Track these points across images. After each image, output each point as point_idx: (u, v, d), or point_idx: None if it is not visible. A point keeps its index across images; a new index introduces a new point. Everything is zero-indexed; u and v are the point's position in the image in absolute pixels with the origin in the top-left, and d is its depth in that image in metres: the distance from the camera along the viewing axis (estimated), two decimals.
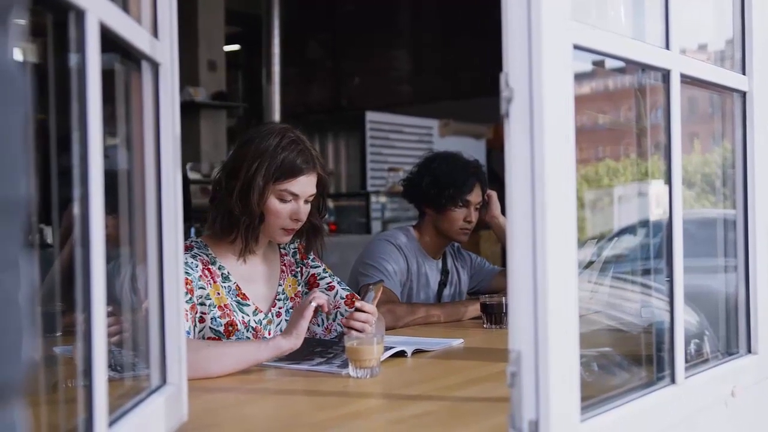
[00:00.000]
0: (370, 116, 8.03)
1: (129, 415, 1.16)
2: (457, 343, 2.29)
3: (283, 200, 2.13)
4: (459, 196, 2.91)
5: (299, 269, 2.35)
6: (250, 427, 1.53)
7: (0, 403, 0.52)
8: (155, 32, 1.32)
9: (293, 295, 2.31)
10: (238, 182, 2.10)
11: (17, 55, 0.55)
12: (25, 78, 0.56)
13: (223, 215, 2.14)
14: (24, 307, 0.55)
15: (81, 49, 0.97)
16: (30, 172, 0.56)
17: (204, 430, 1.44)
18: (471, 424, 1.45)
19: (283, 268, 2.32)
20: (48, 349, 1.74)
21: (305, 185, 2.15)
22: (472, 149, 6.30)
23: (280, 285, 2.29)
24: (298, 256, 2.36)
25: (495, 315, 2.58)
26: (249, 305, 2.19)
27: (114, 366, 1.28)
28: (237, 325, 2.13)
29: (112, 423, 1.06)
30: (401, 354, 2.06)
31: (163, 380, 1.34)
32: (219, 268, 2.17)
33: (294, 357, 2.01)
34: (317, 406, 1.62)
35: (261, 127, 2.22)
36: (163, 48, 1.32)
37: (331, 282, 2.33)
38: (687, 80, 1.53)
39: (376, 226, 7.34)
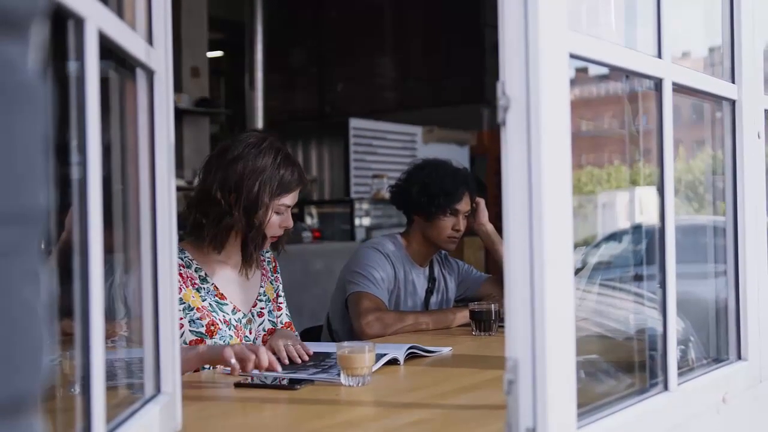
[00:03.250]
0: (354, 123, 8.02)
1: (125, 425, 1.15)
2: (446, 351, 2.29)
3: (278, 213, 2.24)
4: (449, 205, 2.90)
5: (274, 278, 2.46)
6: None
7: (21, 413, 0.52)
8: (150, 40, 1.31)
9: (272, 299, 2.40)
10: (240, 201, 2.17)
11: (37, 65, 0.55)
12: (44, 89, 0.56)
13: (223, 231, 2.20)
14: (43, 316, 0.55)
15: (80, 56, 0.96)
16: (49, 182, 0.56)
17: None
18: None
19: (263, 272, 2.41)
20: None
21: (296, 196, 2.28)
22: (456, 156, 6.30)
23: (261, 286, 2.37)
24: (271, 266, 2.46)
25: (484, 322, 2.58)
26: (227, 304, 2.24)
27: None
28: (218, 324, 2.19)
29: None
30: (393, 362, 2.06)
31: (158, 389, 1.33)
32: (196, 271, 2.23)
33: (289, 368, 2.00)
34: (310, 415, 1.62)
35: (245, 140, 2.25)
36: (158, 55, 1.32)
37: (282, 303, 2.45)
38: (677, 88, 1.54)
39: (360, 233, 7.33)
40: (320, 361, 2.08)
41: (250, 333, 2.29)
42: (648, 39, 1.51)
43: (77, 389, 1.06)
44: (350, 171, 7.94)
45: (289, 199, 2.25)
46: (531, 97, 1.13)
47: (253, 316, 2.31)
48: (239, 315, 2.26)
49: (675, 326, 1.50)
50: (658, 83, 1.48)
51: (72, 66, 0.97)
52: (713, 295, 1.90)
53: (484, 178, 6.86)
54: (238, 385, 1.84)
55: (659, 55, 1.48)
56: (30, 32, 0.55)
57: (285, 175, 2.21)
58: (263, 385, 1.83)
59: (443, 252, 3.13)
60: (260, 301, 2.35)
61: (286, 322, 2.42)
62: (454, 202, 2.91)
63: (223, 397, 1.79)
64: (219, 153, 2.25)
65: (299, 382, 1.83)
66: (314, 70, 10.38)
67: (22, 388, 0.52)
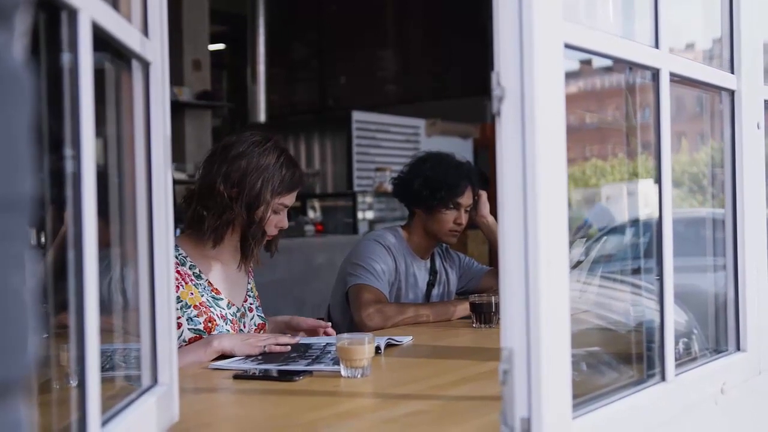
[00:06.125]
0: (357, 116, 8.02)
1: (121, 415, 1.15)
2: (407, 339, 2.30)
3: (276, 212, 2.27)
4: (450, 199, 2.89)
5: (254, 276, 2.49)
6: (241, 427, 1.52)
7: (6, 400, 0.53)
8: (145, 31, 1.31)
9: (256, 296, 2.44)
10: (242, 196, 2.20)
11: (21, 54, 0.55)
12: (29, 77, 0.56)
13: (224, 225, 2.22)
14: (30, 303, 0.55)
15: (73, 48, 0.96)
16: (34, 171, 0.56)
17: (195, 430, 1.43)
18: (463, 422, 1.46)
19: (250, 270, 2.43)
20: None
21: (294, 197, 2.32)
22: (459, 149, 6.31)
23: (249, 283, 2.42)
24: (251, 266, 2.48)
25: (484, 314, 2.58)
26: (222, 299, 2.28)
27: (103, 365, 1.28)
28: (215, 320, 2.22)
29: (104, 423, 1.06)
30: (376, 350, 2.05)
31: (155, 380, 1.34)
32: (190, 268, 2.25)
33: (277, 360, 1.99)
34: (308, 406, 1.62)
35: (249, 138, 2.27)
36: (153, 47, 1.32)
37: (258, 303, 2.45)
38: (676, 79, 1.54)
39: (362, 226, 7.33)
40: (304, 352, 2.08)
41: (244, 327, 2.32)
42: (646, 31, 1.51)
43: (74, 381, 1.06)
44: (353, 164, 7.94)
45: (288, 199, 2.28)
46: (525, 88, 1.13)
47: (245, 310, 2.35)
48: (233, 309, 2.30)
49: (672, 317, 1.50)
50: (656, 74, 1.48)
51: (65, 58, 0.97)
52: (713, 286, 1.90)
53: (488, 171, 6.86)
54: (236, 377, 1.84)
55: (656, 46, 1.48)
56: (15, 21, 0.55)
57: (287, 176, 2.25)
58: (261, 377, 1.83)
59: (444, 245, 3.13)
60: (249, 296, 2.40)
61: (259, 323, 2.41)
62: (456, 196, 2.90)
63: (220, 389, 1.79)
64: (222, 148, 2.26)
65: (298, 373, 1.83)
66: (316, 63, 10.39)
67: (6, 373, 0.53)
